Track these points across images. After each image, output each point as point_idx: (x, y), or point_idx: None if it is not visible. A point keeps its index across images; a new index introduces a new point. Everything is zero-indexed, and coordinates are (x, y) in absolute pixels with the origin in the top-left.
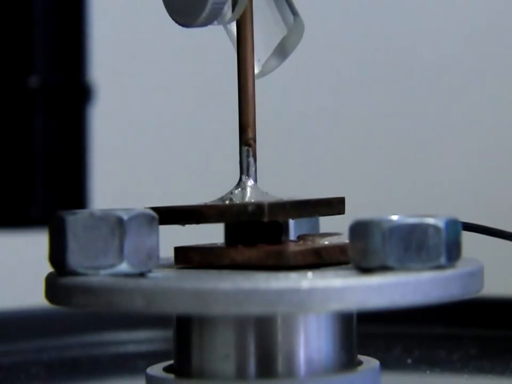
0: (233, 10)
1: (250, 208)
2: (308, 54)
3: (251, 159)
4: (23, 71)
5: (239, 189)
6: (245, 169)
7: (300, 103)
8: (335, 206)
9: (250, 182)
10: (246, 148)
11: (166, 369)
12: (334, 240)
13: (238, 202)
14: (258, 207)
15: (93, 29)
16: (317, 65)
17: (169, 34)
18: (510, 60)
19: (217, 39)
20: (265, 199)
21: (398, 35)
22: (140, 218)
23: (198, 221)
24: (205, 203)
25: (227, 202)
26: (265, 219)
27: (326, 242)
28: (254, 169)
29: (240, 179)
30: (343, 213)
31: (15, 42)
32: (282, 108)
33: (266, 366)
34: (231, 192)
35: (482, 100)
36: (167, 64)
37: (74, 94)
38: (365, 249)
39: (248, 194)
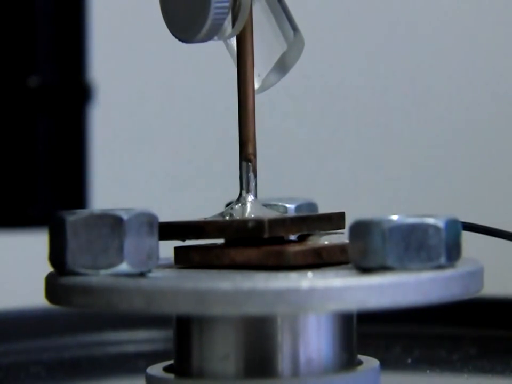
0: (233, 25)
1: (250, 224)
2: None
3: (251, 174)
4: (23, 71)
5: (239, 204)
6: (245, 184)
7: (299, 107)
8: (335, 221)
9: (250, 197)
10: (246, 163)
11: (166, 369)
12: (334, 240)
13: (238, 218)
14: (258, 223)
15: (93, 29)
16: (317, 74)
17: (170, 35)
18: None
19: (218, 47)
20: (266, 215)
21: (400, 38)
22: (140, 218)
23: (198, 237)
24: (205, 218)
25: (227, 217)
26: (265, 235)
27: (326, 242)
28: (254, 184)
29: (240, 194)
30: (343, 228)
31: (15, 42)
32: (282, 114)
33: (266, 366)
34: (231, 208)
35: (482, 101)
36: (168, 64)
37: (74, 94)
38: (365, 249)
39: (248, 209)
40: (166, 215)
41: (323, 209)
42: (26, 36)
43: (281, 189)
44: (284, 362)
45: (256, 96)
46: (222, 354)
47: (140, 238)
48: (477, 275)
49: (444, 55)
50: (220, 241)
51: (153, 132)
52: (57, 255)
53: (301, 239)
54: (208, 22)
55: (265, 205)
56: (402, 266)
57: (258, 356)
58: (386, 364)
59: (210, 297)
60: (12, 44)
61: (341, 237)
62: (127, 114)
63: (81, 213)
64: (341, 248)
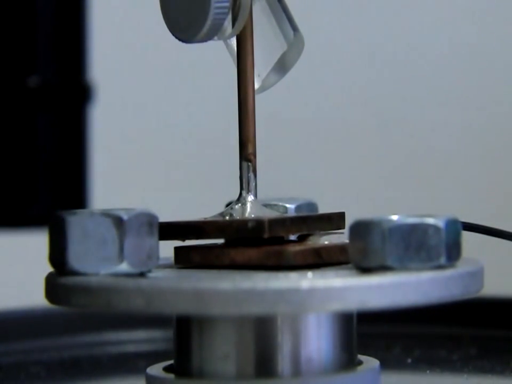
0: (233, 25)
1: (250, 225)
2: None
3: (251, 174)
4: (24, 71)
5: (239, 204)
6: (245, 184)
7: (298, 109)
8: (335, 221)
9: (250, 197)
10: (246, 163)
11: (166, 369)
12: (334, 240)
13: (238, 218)
14: (259, 223)
15: (93, 29)
16: (317, 74)
17: (170, 35)
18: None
19: (218, 47)
20: (266, 215)
21: (400, 40)
22: (140, 218)
23: (198, 237)
24: (205, 218)
25: (227, 217)
26: (266, 235)
27: (326, 242)
28: (254, 184)
29: (240, 194)
30: (343, 228)
31: (15, 42)
32: (282, 116)
33: (266, 366)
34: (231, 208)
35: (482, 102)
36: (168, 64)
37: (74, 94)
38: (365, 249)
39: (248, 209)
40: (166, 215)
41: (323, 209)
42: (26, 36)
43: (281, 189)
44: (283, 362)
45: (256, 96)
46: (222, 354)
47: (140, 238)
48: (477, 275)
49: (440, 55)
50: (220, 241)
51: (153, 132)
52: (57, 255)
53: (301, 239)
54: (208, 22)
55: (265, 205)
56: (402, 266)
57: (258, 356)
58: (386, 364)
59: (210, 297)
60: (12, 44)
61: (341, 237)
62: (127, 114)
63: (81, 213)
64: (341, 248)
